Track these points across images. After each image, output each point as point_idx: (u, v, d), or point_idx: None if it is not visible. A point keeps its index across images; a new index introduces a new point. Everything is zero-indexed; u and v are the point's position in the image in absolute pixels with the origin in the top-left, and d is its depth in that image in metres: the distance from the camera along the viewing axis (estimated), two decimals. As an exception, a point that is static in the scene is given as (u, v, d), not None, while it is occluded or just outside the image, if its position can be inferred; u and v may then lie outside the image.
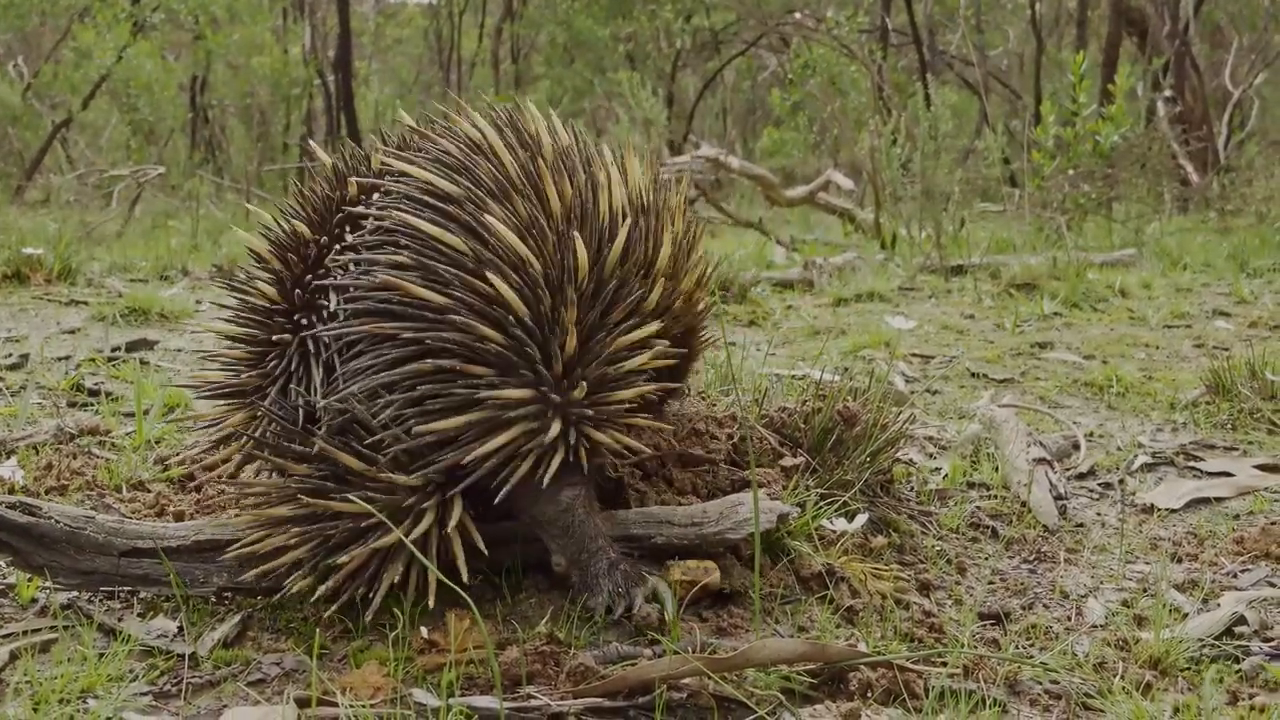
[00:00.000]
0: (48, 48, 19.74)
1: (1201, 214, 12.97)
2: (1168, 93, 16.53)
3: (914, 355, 5.48)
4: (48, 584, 2.51)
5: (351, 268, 2.38)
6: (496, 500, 2.31)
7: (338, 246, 2.43)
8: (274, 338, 2.45)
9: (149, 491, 3.10)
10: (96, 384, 4.31)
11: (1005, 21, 26.45)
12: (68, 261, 7.07)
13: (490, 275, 2.28)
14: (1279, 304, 7.01)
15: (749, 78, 26.54)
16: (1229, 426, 4.12)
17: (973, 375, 5.04)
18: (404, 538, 2.22)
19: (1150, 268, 8.56)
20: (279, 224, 2.57)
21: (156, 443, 3.57)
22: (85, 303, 6.28)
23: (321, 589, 2.31)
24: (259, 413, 2.42)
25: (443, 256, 2.31)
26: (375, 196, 2.46)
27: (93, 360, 4.78)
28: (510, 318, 2.29)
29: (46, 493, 3.06)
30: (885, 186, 9.96)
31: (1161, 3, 17.27)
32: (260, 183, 16.76)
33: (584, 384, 2.34)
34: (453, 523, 2.29)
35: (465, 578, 2.27)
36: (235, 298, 2.57)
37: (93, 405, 4.07)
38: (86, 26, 18.38)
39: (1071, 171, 10.54)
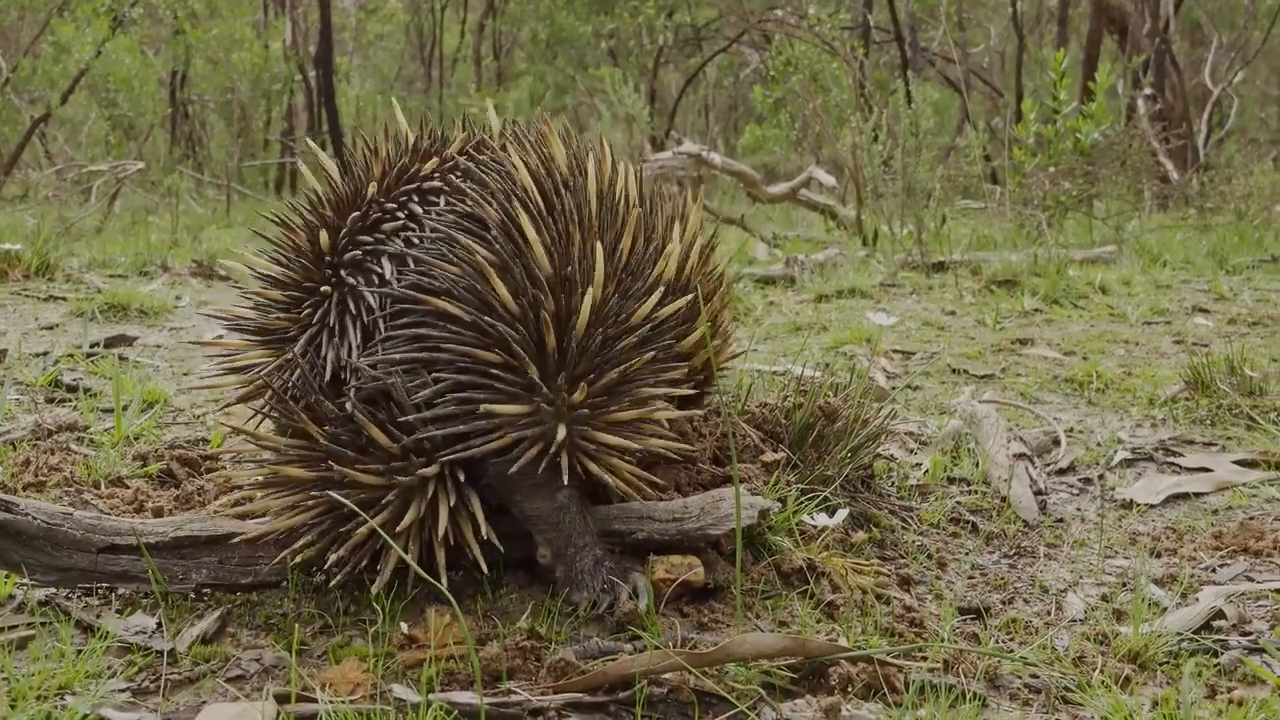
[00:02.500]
0: (26, 42, 19.60)
1: (1181, 211, 13.02)
2: (1148, 90, 16.59)
3: (895, 351, 5.49)
4: (24, 581, 2.50)
5: (416, 241, 2.37)
6: (485, 480, 2.36)
7: (402, 215, 2.42)
8: (321, 286, 2.40)
9: (127, 488, 3.09)
10: (75, 380, 4.29)
11: (986, 19, 26.53)
12: (46, 257, 7.03)
13: (551, 295, 2.34)
14: (1258, 301, 7.05)
15: (731, 74, 26.53)
16: (1208, 422, 4.14)
17: (953, 371, 5.05)
18: (417, 515, 2.27)
19: (1130, 265, 8.59)
20: (341, 178, 2.54)
21: (135, 439, 3.55)
22: (64, 298, 6.25)
23: (333, 557, 2.33)
24: (285, 359, 2.39)
25: (524, 264, 2.34)
26: (454, 177, 2.46)
27: (71, 356, 4.76)
28: (573, 331, 2.34)
29: (24, 489, 3.04)
30: (867, 183, 9.96)
31: (1142, 1, 17.33)
32: (241, 178, 16.70)
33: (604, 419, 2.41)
34: (479, 516, 2.34)
35: (484, 567, 2.38)
36: (279, 237, 2.53)
37: (71, 401, 4.05)
38: (65, 21, 18.27)
39: (1052, 169, 10.57)
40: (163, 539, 2.51)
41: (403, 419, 2.30)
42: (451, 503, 2.31)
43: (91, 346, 4.92)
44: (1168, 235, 10.60)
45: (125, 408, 3.71)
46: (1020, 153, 10.72)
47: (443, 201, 2.43)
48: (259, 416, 2.53)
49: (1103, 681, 2.23)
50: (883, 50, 22.81)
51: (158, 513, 2.87)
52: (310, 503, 2.34)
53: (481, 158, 2.53)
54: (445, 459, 2.30)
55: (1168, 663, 2.34)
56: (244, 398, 2.51)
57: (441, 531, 2.30)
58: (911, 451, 3.78)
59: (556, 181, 2.49)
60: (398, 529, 2.29)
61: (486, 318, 2.30)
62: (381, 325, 2.33)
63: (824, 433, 3.04)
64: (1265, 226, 10.90)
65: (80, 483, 3.11)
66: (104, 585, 2.54)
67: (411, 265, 2.35)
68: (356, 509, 2.26)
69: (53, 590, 2.54)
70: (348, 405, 2.30)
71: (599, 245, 2.42)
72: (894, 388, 4.65)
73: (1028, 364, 5.20)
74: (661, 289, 2.52)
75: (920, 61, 20.76)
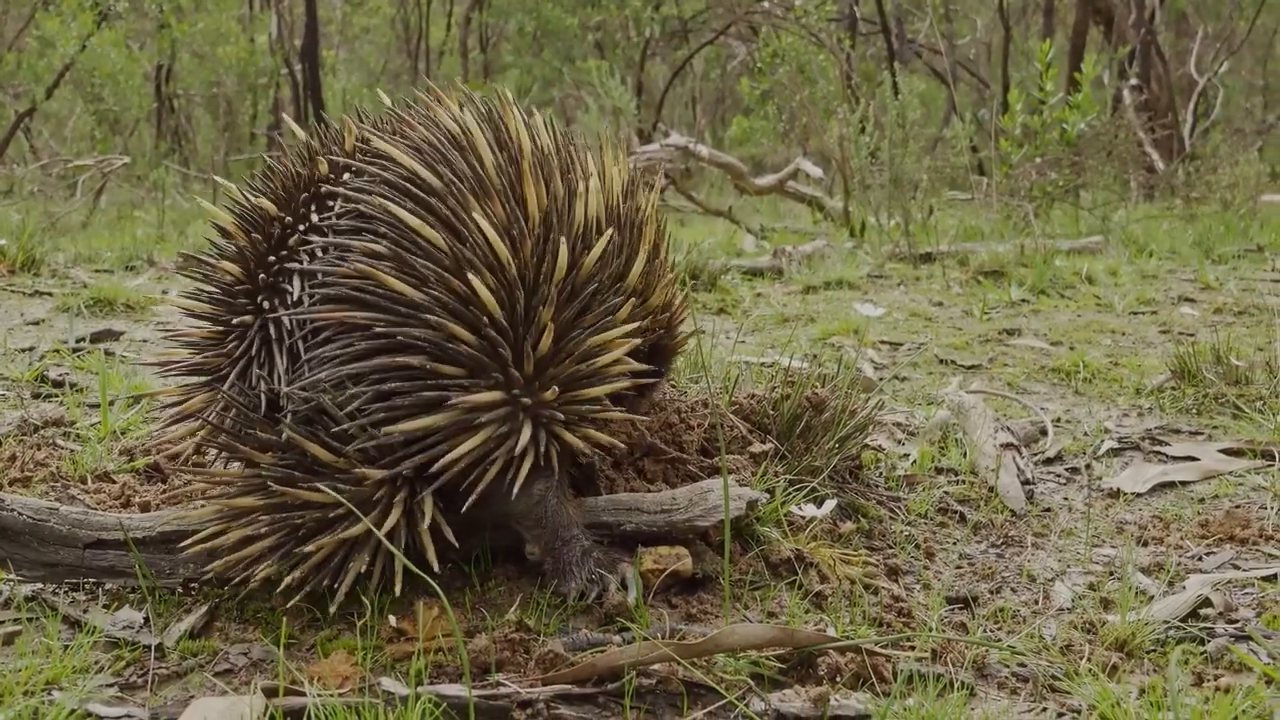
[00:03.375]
0: (10, 36, 19.51)
1: (1167, 201, 13.05)
2: (1134, 81, 16.62)
3: (883, 342, 5.50)
4: (11, 576, 2.49)
5: (320, 252, 2.32)
6: (464, 508, 2.29)
7: (302, 227, 2.37)
8: (235, 319, 2.38)
9: (114, 482, 3.08)
10: (61, 375, 4.28)
11: (973, 10, 26.54)
12: (31, 252, 7.00)
13: (470, 275, 2.25)
14: (1243, 290, 7.07)
15: (718, 66, 26.52)
16: (1194, 411, 4.15)
17: (941, 362, 5.05)
18: (374, 529, 2.19)
19: (1117, 254, 8.61)
20: (245, 199, 2.50)
21: (121, 433, 3.54)
22: (49, 294, 6.23)
23: (288, 578, 2.29)
24: (219, 397, 2.36)
25: (421, 250, 2.26)
26: (347, 177, 2.40)
27: (57, 351, 4.74)
28: (485, 318, 2.26)
29: (10, 484, 3.03)
30: (854, 175, 9.97)
31: (1127, -9, 17.36)
32: (227, 172, 16.65)
33: (555, 386, 2.32)
34: (425, 522, 2.27)
35: (436, 568, 2.25)
36: (200, 274, 2.50)
37: (57, 396, 4.04)
38: (50, 15, 18.18)
39: (1039, 159, 10.60)
40: (149, 534, 2.50)
41: (336, 429, 2.24)
42: (402, 509, 2.26)
43: (77, 341, 4.90)
44: (1154, 225, 10.63)
45: (112, 402, 3.70)
46: (1007, 144, 10.74)
47: (337, 205, 2.37)
48: (199, 445, 2.53)
49: (1090, 670, 2.23)
50: (869, 42, 22.83)
51: (145, 508, 2.86)
52: (264, 530, 2.29)
53: (368, 147, 2.45)
54: (406, 467, 2.25)
55: (1155, 651, 2.35)
56: (190, 445, 2.53)
57: (396, 536, 2.27)
58: (899, 442, 3.79)
59: (441, 150, 2.40)
60: (350, 541, 2.26)
61: (408, 325, 2.23)
62: (301, 347, 2.28)
63: (812, 424, 3.04)
64: (1251, 216, 10.94)
65: (67, 478, 3.10)
66: (91, 580, 2.53)
67: (320, 278, 2.29)
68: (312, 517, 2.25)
69: (40, 586, 2.54)
70: (284, 431, 2.26)
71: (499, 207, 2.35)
72: (881, 378, 4.66)
73: (1015, 354, 5.21)
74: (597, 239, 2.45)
75: (907, 53, 20.78)
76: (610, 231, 2.49)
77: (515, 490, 2.29)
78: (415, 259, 2.25)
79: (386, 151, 2.40)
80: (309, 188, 2.43)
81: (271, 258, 2.38)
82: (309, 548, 2.25)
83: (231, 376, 2.35)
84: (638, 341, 2.55)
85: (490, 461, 2.27)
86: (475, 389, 2.25)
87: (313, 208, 2.39)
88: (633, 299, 2.55)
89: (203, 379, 2.47)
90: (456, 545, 2.34)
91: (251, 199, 2.48)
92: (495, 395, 2.26)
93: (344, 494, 2.23)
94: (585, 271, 2.42)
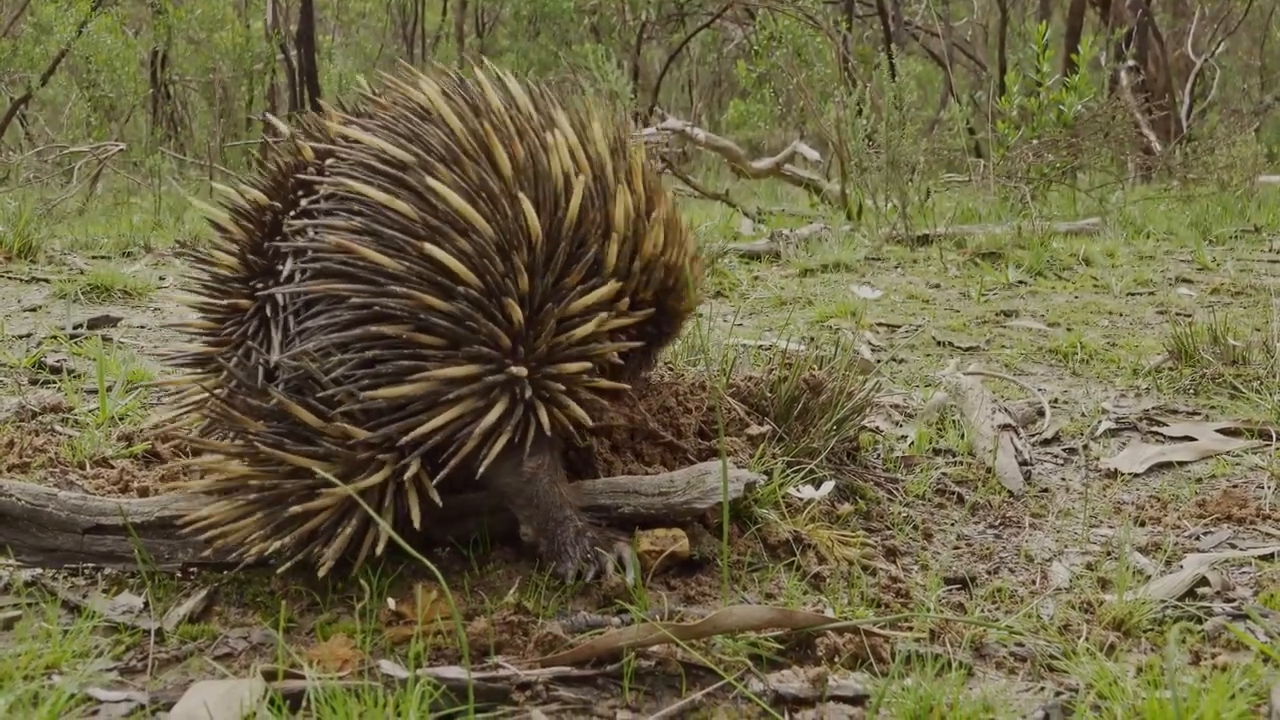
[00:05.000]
0: (6, 22, 19.45)
1: (1164, 182, 13.04)
2: (1131, 62, 16.60)
3: (880, 324, 5.50)
4: (10, 562, 2.49)
5: (307, 233, 2.37)
6: (437, 479, 2.30)
7: (292, 213, 2.43)
8: (234, 304, 2.47)
9: (112, 468, 3.08)
10: (59, 361, 4.28)
11: (970, -8, 26.47)
12: (28, 239, 7.00)
13: (429, 244, 2.26)
14: (1240, 270, 7.07)
15: (714, 50, 26.47)
16: (1191, 392, 4.16)
17: (938, 344, 5.06)
18: (352, 492, 2.18)
19: (1114, 236, 8.61)
20: (239, 194, 2.57)
21: (119, 419, 3.54)
22: (46, 280, 6.22)
23: (277, 544, 2.30)
24: (221, 374, 2.42)
25: (392, 223, 2.30)
26: (329, 162, 2.45)
27: (54, 338, 4.74)
28: (459, 287, 2.28)
29: (9, 470, 3.03)
30: (851, 158, 9.96)
31: (1124, -28, 17.32)
32: (223, 159, 16.62)
33: (533, 359, 2.33)
34: (409, 473, 2.28)
35: (418, 525, 2.28)
36: (199, 268, 2.57)
37: (55, 382, 4.04)
38: (46, 1, 18.14)
39: (1036, 141, 10.58)
40: (148, 518, 2.50)
41: (322, 394, 2.28)
42: (389, 473, 2.28)
43: (75, 328, 4.90)
44: (1151, 206, 10.63)
45: (109, 388, 3.70)
46: (1004, 125, 10.73)
47: (323, 189, 2.42)
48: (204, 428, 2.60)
49: (1088, 649, 2.24)
50: (866, 24, 22.78)
51: (143, 492, 2.86)
52: (254, 497, 2.31)
53: (346, 130, 2.50)
54: (385, 433, 2.27)
55: (1152, 630, 2.35)
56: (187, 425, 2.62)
57: (383, 503, 2.30)
58: (897, 424, 3.79)
59: (410, 124, 2.44)
60: (340, 508, 2.28)
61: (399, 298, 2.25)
62: (291, 322, 2.34)
63: (809, 406, 3.04)
64: (1248, 197, 10.94)
65: (65, 463, 3.10)
66: (90, 565, 2.53)
67: (309, 255, 2.35)
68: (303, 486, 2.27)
69: (39, 571, 2.54)
70: (275, 396, 2.29)
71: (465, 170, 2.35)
72: (879, 360, 4.66)
73: (1012, 336, 5.21)
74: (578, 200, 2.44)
75: (903, 35, 20.73)
76: (582, 179, 2.47)
77: (484, 464, 2.29)
78: (387, 230, 2.29)
79: (354, 135, 2.45)
80: (296, 175, 2.50)
81: (266, 244, 2.45)
82: (296, 509, 2.26)
83: (235, 358, 2.41)
84: (624, 306, 2.53)
85: (465, 436, 2.28)
86: (450, 361, 2.27)
87: (301, 194, 2.46)
88: (616, 240, 2.52)
89: (207, 368, 2.54)
90: (440, 504, 2.34)
91: (245, 194, 2.55)
92: (469, 369, 2.27)
93: (332, 456, 2.25)
94: (566, 226, 2.42)
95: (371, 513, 2.08)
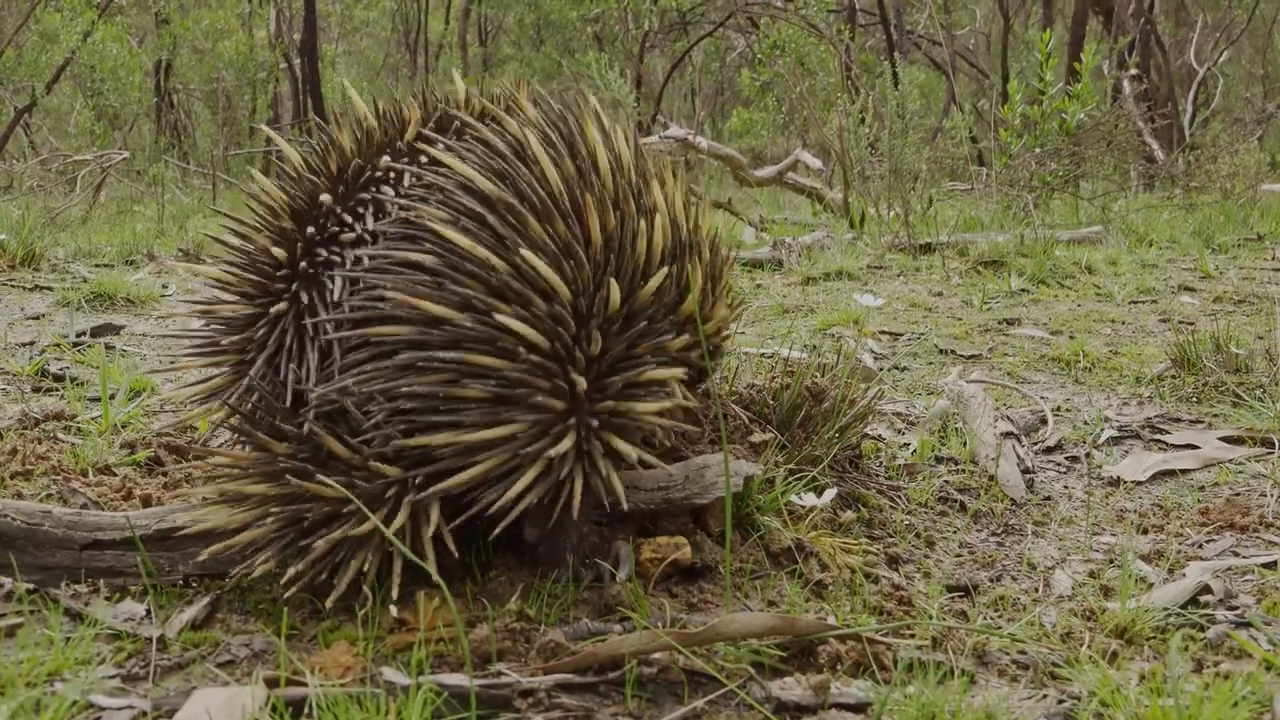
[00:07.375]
0: (10, 31, 19.48)
1: (1167, 191, 13.05)
2: (1133, 71, 16.61)
3: (882, 332, 5.50)
4: (7, 581, 2.48)
5: (366, 260, 2.22)
6: (453, 524, 2.24)
7: (358, 227, 2.28)
8: (271, 305, 2.29)
9: (115, 476, 3.08)
10: (62, 369, 4.28)
11: (972, 1, 26.51)
12: (31, 247, 7.02)
13: (501, 314, 2.14)
14: (1243, 279, 7.07)
15: (717, 59, 26.49)
16: (1194, 400, 4.16)
17: (941, 352, 5.06)
18: (388, 534, 2.11)
19: (1116, 244, 8.61)
20: (300, 177, 2.39)
21: (123, 427, 3.54)
22: (49, 288, 6.23)
23: (291, 571, 2.28)
24: (246, 383, 2.30)
25: (468, 275, 2.17)
26: (406, 178, 2.31)
27: (58, 345, 4.75)
28: (521, 349, 2.17)
29: (12, 478, 3.03)
30: (853, 166, 9.97)
31: (1127, -19, 17.35)
32: (226, 167, 16.64)
33: (582, 427, 2.25)
34: (430, 529, 2.22)
35: (435, 573, 2.21)
36: (236, 249, 2.40)
37: (58, 390, 4.04)
38: (51, 10, 18.18)
39: (1038, 150, 10.59)
40: (147, 531, 2.47)
41: (357, 433, 2.20)
42: (409, 511, 2.21)
43: (78, 335, 4.90)
44: (1154, 215, 10.63)
45: (112, 396, 3.70)
46: (1006, 134, 10.73)
47: (395, 210, 2.26)
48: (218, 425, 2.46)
49: (1090, 657, 2.24)
50: (869, 33, 22.79)
51: (146, 500, 2.85)
52: (270, 519, 2.25)
53: (433, 149, 2.33)
54: (416, 474, 2.19)
55: (1155, 638, 2.35)
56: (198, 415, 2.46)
57: (402, 538, 2.21)
58: (899, 431, 3.79)
59: (512, 161, 2.29)
60: (356, 536, 2.23)
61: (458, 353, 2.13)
62: (337, 348, 2.21)
63: (812, 413, 3.05)
64: (1250, 205, 10.94)
65: (68, 471, 3.10)
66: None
67: (362, 285, 2.21)
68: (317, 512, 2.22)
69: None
70: (307, 425, 2.22)
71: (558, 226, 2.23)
72: (881, 368, 4.66)
73: (1015, 344, 5.21)
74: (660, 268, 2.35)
75: (906, 44, 20.76)
76: (666, 270, 2.37)
77: (498, 529, 2.24)
78: (455, 283, 2.16)
79: (445, 160, 2.28)
80: (366, 181, 2.34)
81: (322, 252, 2.29)
82: (319, 544, 2.23)
83: (259, 362, 2.29)
84: (689, 404, 2.46)
85: (495, 494, 2.21)
86: (494, 420, 2.18)
87: (369, 206, 2.30)
88: (686, 335, 2.45)
89: (229, 360, 2.38)
90: (455, 554, 2.28)
91: (305, 181, 2.38)
92: (502, 432, 2.18)
93: (356, 490, 2.20)
94: (640, 302, 2.34)
95: (406, 551, 2.02)
